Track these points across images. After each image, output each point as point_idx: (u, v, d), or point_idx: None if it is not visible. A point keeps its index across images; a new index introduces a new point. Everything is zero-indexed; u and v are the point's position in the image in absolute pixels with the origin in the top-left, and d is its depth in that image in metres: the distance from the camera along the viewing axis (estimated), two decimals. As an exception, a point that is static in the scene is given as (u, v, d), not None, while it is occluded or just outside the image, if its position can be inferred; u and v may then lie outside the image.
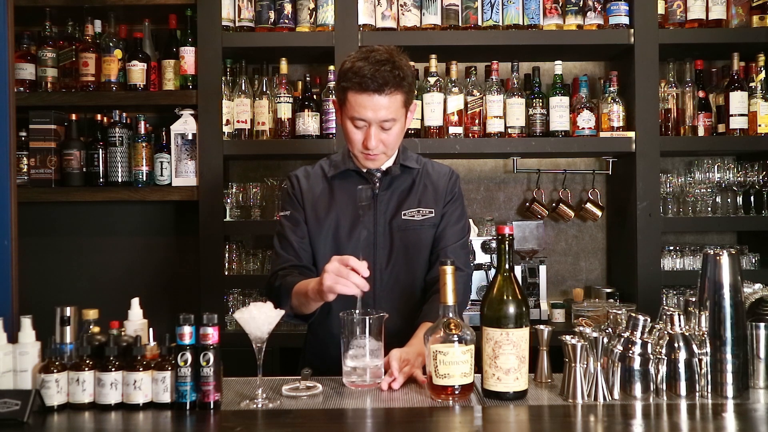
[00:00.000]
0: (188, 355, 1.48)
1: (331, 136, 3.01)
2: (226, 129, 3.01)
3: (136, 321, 1.63)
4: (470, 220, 2.76)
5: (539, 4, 3.02)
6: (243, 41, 3.01)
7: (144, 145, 3.06)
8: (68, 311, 1.57)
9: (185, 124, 3.03)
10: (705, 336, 1.55)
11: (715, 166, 3.12)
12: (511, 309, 1.51)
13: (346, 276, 1.62)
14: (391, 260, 1.92)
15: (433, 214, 1.96)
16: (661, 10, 3.02)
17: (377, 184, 1.94)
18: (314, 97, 3.07)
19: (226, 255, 3.04)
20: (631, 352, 1.54)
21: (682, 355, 1.53)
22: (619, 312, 1.67)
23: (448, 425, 1.45)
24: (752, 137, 3.03)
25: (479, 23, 3.02)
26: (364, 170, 1.94)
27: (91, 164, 3.06)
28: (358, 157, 1.90)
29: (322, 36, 2.98)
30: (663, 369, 1.55)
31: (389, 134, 1.85)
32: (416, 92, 2.07)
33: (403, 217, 1.93)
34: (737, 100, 3.03)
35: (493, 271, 2.68)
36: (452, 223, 1.98)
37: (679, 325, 1.56)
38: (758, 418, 1.47)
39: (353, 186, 1.94)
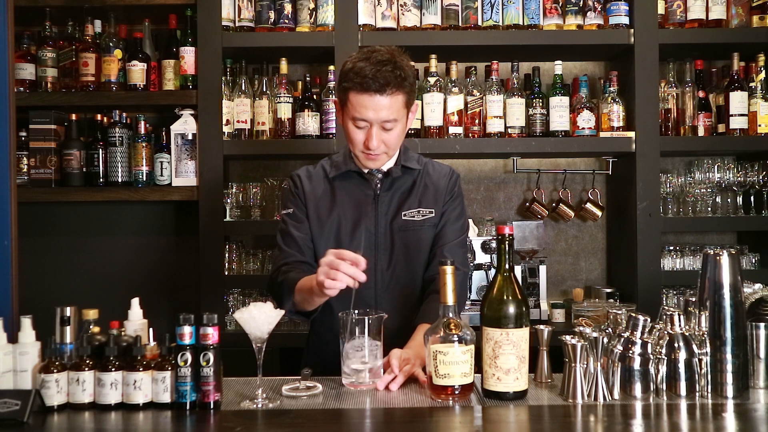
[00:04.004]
0: (188, 355, 1.48)
1: (331, 136, 3.01)
2: (226, 129, 3.01)
3: (136, 321, 1.63)
4: (470, 220, 2.77)
5: (539, 4, 3.01)
6: (243, 41, 3.01)
7: (144, 145, 3.06)
8: (68, 311, 1.57)
9: (185, 124, 3.03)
10: (705, 336, 1.55)
11: (715, 166, 3.12)
12: (511, 309, 1.51)
13: (338, 267, 1.61)
14: (392, 261, 1.92)
15: (433, 214, 1.96)
16: (661, 10, 3.01)
17: (378, 185, 1.94)
18: (314, 97, 3.07)
19: (226, 255, 3.04)
20: (631, 352, 1.54)
21: (682, 355, 1.53)
22: (619, 312, 1.67)
23: (448, 425, 1.45)
24: (752, 137, 3.03)
25: (479, 23, 3.02)
26: (365, 171, 1.94)
27: (91, 164, 3.06)
28: (359, 157, 1.90)
29: (322, 36, 2.98)
30: (663, 369, 1.55)
31: (390, 134, 1.85)
32: (417, 92, 2.06)
33: (403, 218, 1.93)
34: (737, 100, 3.02)
35: (493, 271, 2.68)
36: (451, 221, 1.98)
37: (679, 325, 1.56)
38: (758, 418, 1.47)
39: (355, 187, 1.95)
